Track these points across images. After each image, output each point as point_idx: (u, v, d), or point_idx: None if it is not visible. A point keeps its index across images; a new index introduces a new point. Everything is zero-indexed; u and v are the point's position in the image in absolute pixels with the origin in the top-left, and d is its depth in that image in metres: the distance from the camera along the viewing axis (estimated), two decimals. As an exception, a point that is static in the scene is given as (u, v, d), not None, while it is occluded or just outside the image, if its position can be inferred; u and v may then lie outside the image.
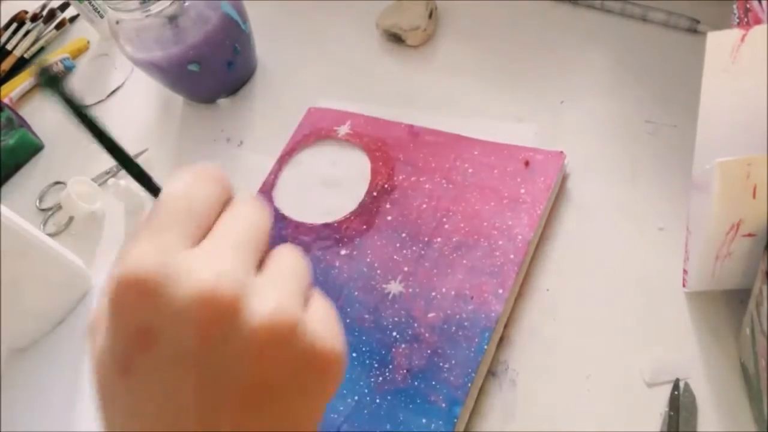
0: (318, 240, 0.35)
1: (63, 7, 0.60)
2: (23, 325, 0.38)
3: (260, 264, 0.17)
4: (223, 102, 0.47)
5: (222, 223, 0.17)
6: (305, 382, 0.16)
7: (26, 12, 0.60)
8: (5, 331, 0.36)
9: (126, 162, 0.18)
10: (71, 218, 0.44)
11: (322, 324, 0.17)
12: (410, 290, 0.32)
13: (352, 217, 0.36)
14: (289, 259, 0.18)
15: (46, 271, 0.37)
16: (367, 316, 0.31)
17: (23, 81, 0.55)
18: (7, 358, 0.38)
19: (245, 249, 0.17)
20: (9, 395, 0.37)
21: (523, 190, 0.33)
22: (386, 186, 0.36)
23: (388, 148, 0.38)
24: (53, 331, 0.39)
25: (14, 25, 0.59)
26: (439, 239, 0.33)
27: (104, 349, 0.16)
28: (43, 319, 0.39)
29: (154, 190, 0.18)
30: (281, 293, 0.16)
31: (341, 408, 0.29)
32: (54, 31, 0.59)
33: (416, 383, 0.29)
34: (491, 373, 0.29)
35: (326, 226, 0.36)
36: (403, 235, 0.34)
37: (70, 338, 0.38)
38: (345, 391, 0.29)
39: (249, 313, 0.15)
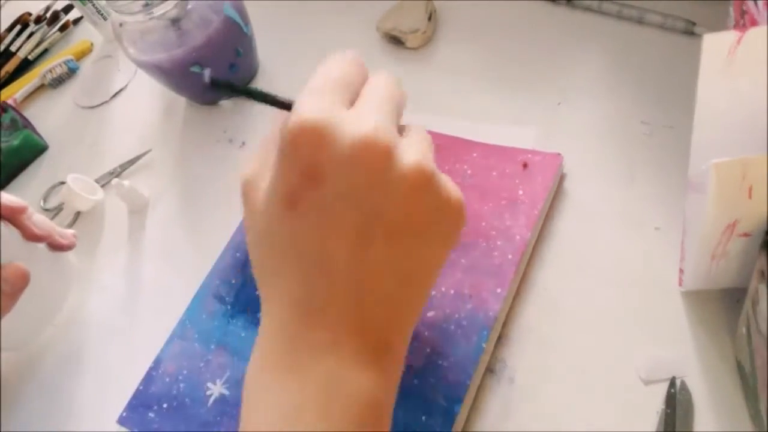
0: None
1: (67, 9, 0.61)
2: (20, 326, 0.37)
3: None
4: (225, 103, 0.47)
5: (367, 92, 0.21)
6: (438, 225, 0.20)
7: (30, 14, 0.60)
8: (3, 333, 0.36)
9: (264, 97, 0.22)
10: (76, 215, 0.45)
11: (449, 181, 0.21)
12: (410, 289, 0.32)
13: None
14: (421, 130, 0.21)
15: (41, 271, 0.37)
16: (367, 314, 0.32)
17: (27, 82, 0.55)
18: (5, 358, 0.38)
19: (389, 109, 0.20)
20: (8, 395, 0.37)
21: (521, 191, 0.33)
22: (386, 186, 0.36)
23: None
24: (48, 331, 0.39)
25: (18, 27, 0.60)
26: (438, 239, 0.33)
27: (272, 189, 0.19)
28: (39, 320, 0.38)
29: (286, 106, 0.22)
30: (424, 151, 0.19)
31: (341, 406, 0.29)
32: (58, 33, 0.60)
33: (415, 382, 0.29)
34: (490, 371, 0.30)
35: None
36: (403, 234, 0.34)
37: (65, 338, 0.39)
38: (345, 389, 0.30)
39: (400, 159, 0.19)
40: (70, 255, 0.40)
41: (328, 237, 0.18)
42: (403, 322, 0.20)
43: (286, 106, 0.22)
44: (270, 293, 0.20)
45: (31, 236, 0.34)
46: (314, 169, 0.18)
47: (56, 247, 0.37)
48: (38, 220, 0.35)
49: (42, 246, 0.37)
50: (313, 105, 0.19)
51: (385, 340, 0.19)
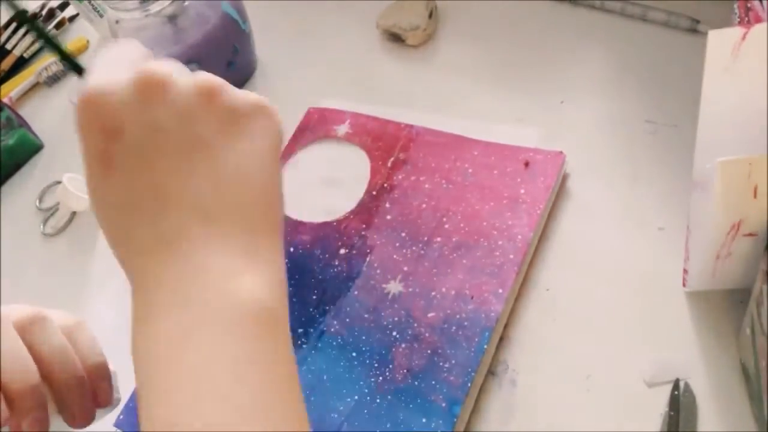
0: (317, 239, 0.35)
1: (62, 7, 0.60)
2: None
3: None
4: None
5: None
6: (234, 130, 0.20)
7: (26, 11, 0.60)
8: None
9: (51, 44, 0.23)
10: (72, 215, 0.44)
11: (241, 91, 0.21)
12: (410, 290, 0.31)
13: (352, 217, 0.35)
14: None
15: None
16: (366, 315, 0.31)
17: (23, 80, 0.55)
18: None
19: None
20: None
21: (522, 191, 0.33)
22: (386, 185, 0.36)
23: (388, 148, 0.38)
24: None
25: (14, 25, 0.59)
26: (438, 239, 0.33)
27: (86, 157, 0.20)
28: None
29: (79, 69, 0.23)
30: (202, 72, 0.21)
31: (341, 408, 0.29)
32: (53, 30, 0.59)
33: (416, 383, 0.29)
34: (491, 372, 0.29)
35: (326, 225, 0.36)
36: (403, 234, 0.34)
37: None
38: (345, 391, 0.29)
39: (180, 83, 0.20)
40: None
41: (154, 172, 0.19)
42: (268, 223, 0.20)
43: (78, 68, 0.23)
44: (128, 255, 0.20)
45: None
46: (109, 126, 0.19)
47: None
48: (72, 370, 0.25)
49: None
50: (96, 76, 0.20)
51: (257, 240, 0.20)
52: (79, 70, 0.23)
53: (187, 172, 0.19)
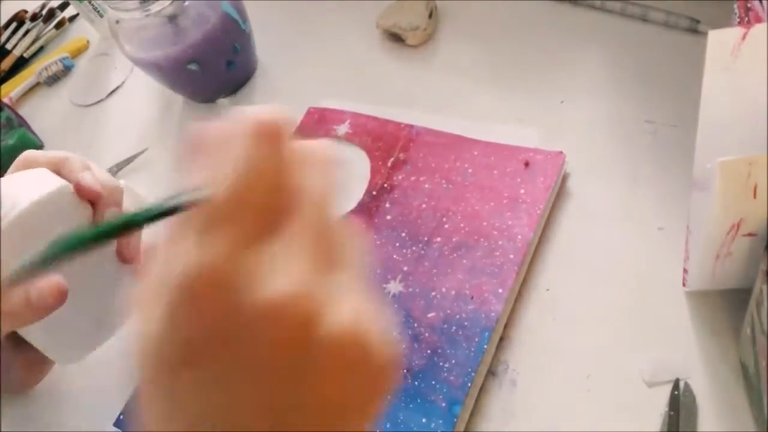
0: (318, 239, 0.35)
1: (63, 7, 0.60)
2: (79, 338, 0.31)
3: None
4: (223, 101, 0.47)
5: (296, 217, 0.15)
6: (366, 397, 0.16)
7: (26, 11, 0.60)
8: None
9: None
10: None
11: (383, 330, 0.16)
12: (410, 290, 0.31)
13: (352, 216, 0.35)
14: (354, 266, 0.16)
15: None
16: (366, 315, 0.31)
17: (23, 80, 0.55)
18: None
19: (322, 246, 0.15)
20: (8, 396, 0.37)
21: (522, 191, 0.33)
22: (386, 185, 0.36)
23: (388, 148, 0.38)
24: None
25: (14, 25, 0.59)
26: (438, 239, 0.33)
27: (163, 337, 0.15)
28: (100, 331, 0.32)
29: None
30: (358, 307, 0.15)
31: (341, 408, 0.29)
32: (53, 30, 0.59)
33: (416, 383, 0.29)
34: (491, 372, 0.29)
35: (326, 225, 0.36)
36: (403, 234, 0.34)
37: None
38: (345, 391, 0.29)
39: (325, 328, 0.14)
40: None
41: (234, 409, 0.14)
42: None
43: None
44: None
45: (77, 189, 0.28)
46: (220, 326, 0.14)
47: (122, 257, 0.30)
48: (88, 177, 0.28)
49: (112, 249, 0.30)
50: (219, 243, 0.14)
51: None
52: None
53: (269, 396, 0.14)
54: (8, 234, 0.25)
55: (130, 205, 0.44)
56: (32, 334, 0.28)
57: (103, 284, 0.30)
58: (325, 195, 0.16)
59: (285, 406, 0.15)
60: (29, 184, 0.27)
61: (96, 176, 0.29)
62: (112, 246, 0.30)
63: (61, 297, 0.26)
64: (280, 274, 0.14)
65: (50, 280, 0.26)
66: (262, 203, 0.15)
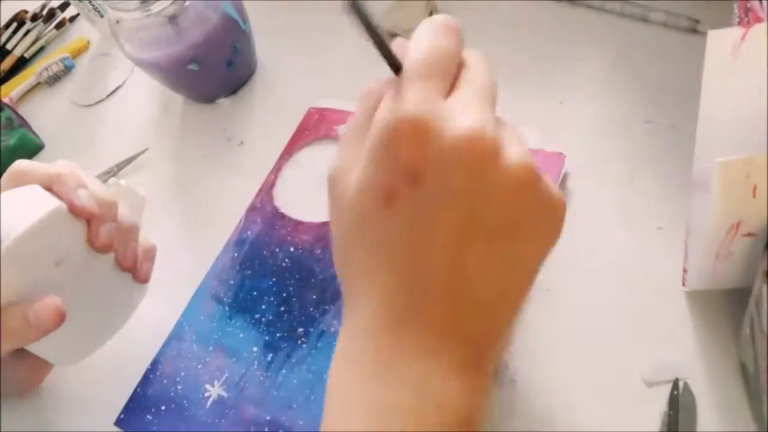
0: (318, 239, 0.35)
1: (63, 7, 0.60)
2: (78, 340, 0.31)
3: None
4: (223, 101, 0.47)
5: (466, 78, 0.19)
6: (541, 227, 0.19)
7: (26, 12, 0.60)
8: None
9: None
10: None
11: (547, 177, 0.19)
12: (410, 290, 0.32)
13: (352, 217, 0.36)
14: (508, 123, 0.20)
15: None
16: (366, 315, 0.31)
17: (23, 80, 0.55)
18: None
19: (490, 99, 0.19)
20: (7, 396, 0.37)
21: (523, 190, 0.33)
22: (386, 185, 0.36)
23: (388, 148, 0.38)
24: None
25: (14, 25, 0.59)
26: (439, 239, 0.33)
27: (365, 183, 0.18)
28: (100, 334, 0.33)
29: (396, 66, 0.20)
30: (525, 144, 0.18)
31: (341, 407, 0.29)
32: (54, 30, 0.59)
33: (416, 383, 0.29)
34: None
35: (326, 224, 0.36)
36: (403, 234, 0.34)
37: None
38: (345, 391, 0.29)
39: (507, 158, 0.17)
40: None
41: (426, 239, 0.17)
42: (498, 335, 0.19)
43: (395, 65, 0.20)
44: (357, 292, 0.19)
45: (98, 247, 0.28)
46: (414, 166, 0.17)
47: (125, 268, 0.31)
48: (84, 194, 0.28)
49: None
50: (412, 96, 0.18)
51: (479, 354, 0.18)
52: (396, 68, 0.20)
53: (457, 253, 0.17)
54: (5, 260, 0.25)
55: (130, 206, 0.44)
56: None
57: (101, 289, 0.30)
58: (486, 61, 0.21)
59: (470, 231, 0.17)
60: (23, 207, 0.26)
61: (90, 193, 0.28)
62: (110, 254, 0.30)
63: (59, 318, 0.26)
64: (464, 114, 0.17)
65: (48, 302, 0.26)
66: (444, 66, 0.19)
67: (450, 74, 0.19)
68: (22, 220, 0.26)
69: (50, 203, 0.27)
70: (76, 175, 0.28)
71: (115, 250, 0.29)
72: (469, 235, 0.17)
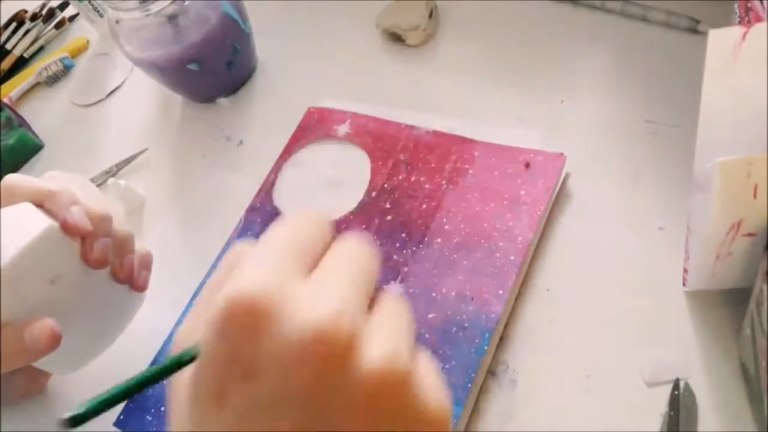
0: (318, 240, 0.35)
1: (62, 7, 0.60)
2: (75, 350, 0.31)
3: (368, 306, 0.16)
4: (222, 101, 0.47)
5: (331, 259, 0.16)
6: None
7: (26, 11, 0.60)
8: None
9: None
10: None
11: (431, 379, 0.16)
12: (410, 290, 0.31)
13: (352, 217, 0.35)
14: (398, 305, 0.17)
15: None
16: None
17: (23, 80, 0.55)
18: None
19: (358, 287, 0.16)
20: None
21: (523, 192, 0.33)
22: (386, 186, 0.36)
23: (388, 148, 0.38)
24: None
25: (14, 25, 0.59)
26: (439, 240, 0.33)
27: (197, 370, 0.15)
28: (96, 343, 0.33)
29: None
30: (396, 341, 0.15)
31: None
32: (53, 30, 0.59)
33: (416, 383, 0.29)
34: (491, 373, 0.29)
35: (326, 225, 0.36)
36: (403, 235, 0.34)
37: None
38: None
39: (363, 356, 0.14)
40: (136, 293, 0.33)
41: None
42: None
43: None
44: None
45: (93, 264, 0.28)
46: (247, 359, 0.14)
47: (122, 280, 0.30)
48: (77, 211, 0.27)
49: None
50: (257, 274, 0.15)
51: None
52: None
53: None
54: (2, 283, 0.25)
55: (131, 206, 0.44)
56: None
57: (99, 302, 0.30)
58: (358, 242, 0.17)
59: None
60: (15, 227, 0.26)
61: (83, 209, 0.27)
62: (106, 267, 0.29)
63: (54, 341, 0.26)
64: (315, 301, 0.14)
65: (43, 324, 0.26)
66: (306, 240, 0.16)
67: (310, 255, 0.16)
68: (15, 241, 0.26)
69: (42, 223, 0.26)
70: (68, 191, 0.27)
71: (111, 262, 0.29)
72: None
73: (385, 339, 0.15)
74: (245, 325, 0.14)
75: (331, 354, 0.14)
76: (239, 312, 0.14)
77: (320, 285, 0.15)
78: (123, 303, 0.32)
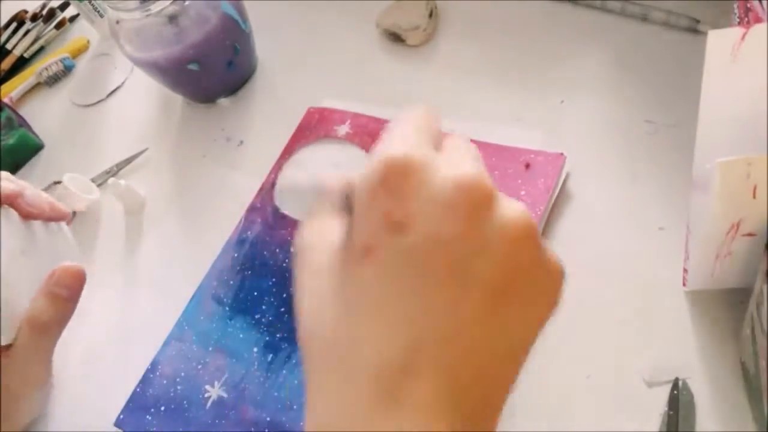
0: (318, 240, 0.35)
1: (63, 7, 0.60)
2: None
3: None
4: (223, 101, 0.47)
5: (452, 145, 0.18)
6: (539, 288, 0.17)
7: (26, 11, 0.60)
8: None
9: None
10: (72, 215, 0.44)
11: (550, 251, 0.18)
12: (410, 290, 0.31)
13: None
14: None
15: None
16: (367, 315, 0.31)
17: (23, 80, 0.55)
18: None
19: (482, 165, 0.17)
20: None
21: (523, 192, 0.33)
22: (386, 186, 0.36)
23: (388, 148, 0.38)
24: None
25: (14, 25, 0.59)
26: (439, 239, 0.33)
27: (345, 241, 0.17)
28: None
29: None
30: (521, 203, 0.17)
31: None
32: (54, 30, 0.59)
33: (416, 383, 0.29)
34: (491, 372, 0.29)
35: (326, 225, 0.36)
36: (403, 234, 0.34)
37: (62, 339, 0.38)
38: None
39: (501, 208, 0.16)
40: (70, 237, 0.37)
41: (415, 293, 0.15)
42: (496, 404, 0.17)
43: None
44: (336, 359, 0.16)
45: (25, 215, 0.32)
46: (400, 214, 0.15)
47: (50, 218, 0.35)
48: (31, 195, 0.33)
49: (41, 230, 0.34)
50: (403, 142, 0.17)
51: (478, 427, 0.16)
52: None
53: (455, 312, 0.15)
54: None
55: (131, 206, 0.44)
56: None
57: (54, 246, 0.34)
58: (469, 140, 0.19)
59: (464, 286, 0.15)
60: None
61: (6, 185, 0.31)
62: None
63: (82, 277, 0.31)
64: (458, 164, 0.16)
65: (63, 269, 0.30)
66: (429, 126, 0.18)
67: (434, 139, 0.18)
68: None
69: None
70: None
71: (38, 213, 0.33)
72: (462, 290, 0.15)
73: (516, 202, 0.17)
74: (399, 182, 0.16)
75: (479, 201, 0.16)
76: (393, 171, 0.16)
77: (454, 155, 0.17)
78: (65, 242, 0.36)
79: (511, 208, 0.16)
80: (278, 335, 0.33)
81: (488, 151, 0.35)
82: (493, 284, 0.16)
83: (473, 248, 0.16)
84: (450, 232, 0.15)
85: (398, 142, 0.17)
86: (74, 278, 0.31)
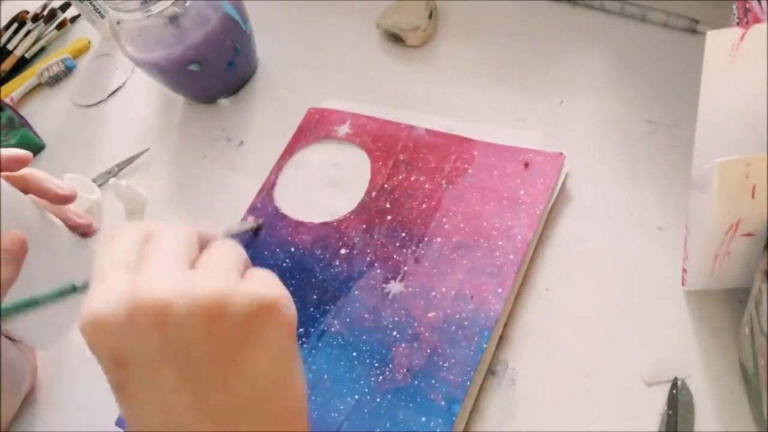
0: (318, 239, 0.35)
1: (64, 7, 0.60)
2: (49, 322, 0.34)
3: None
4: (223, 102, 0.47)
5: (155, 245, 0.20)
6: (258, 330, 0.19)
7: (27, 12, 0.60)
8: None
9: None
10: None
11: (257, 281, 0.20)
12: (410, 290, 0.32)
13: (352, 217, 0.36)
14: (222, 248, 0.21)
15: None
16: (367, 315, 0.32)
17: (24, 81, 0.55)
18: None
19: (177, 256, 0.19)
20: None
21: (522, 191, 0.33)
22: (386, 186, 0.36)
23: (388, 148, 0.38)
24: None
25: (15, 25, 0.59)
26: (438, 239, 0.33)
27: (107, 379, 0.19)
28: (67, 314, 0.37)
29: None
30: (212, 273, 0.19)
31: (342, 407, 0.29)
32: (55, 31, 0.59)
33: (416, 382, 0.29)
34: (491, 372, 0.29)
35: (326, 225, 0.36)
36: (403, 234, 0.34)
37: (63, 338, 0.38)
38: (345, 390, 0.29)
39: (177, 308, 0.18)
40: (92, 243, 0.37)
41: (163, 408, 0.18)
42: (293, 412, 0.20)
43: None
44: None
45: (55, 198, 0.34)
46: (115, 353, 0.18)
47: (72, 227, 0.35)
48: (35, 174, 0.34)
49: (65, 231, 0.35)
50: (97, 298, 0.18)
51: None
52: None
53: (199, 398, 0.18)
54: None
55: (132, 206, 0.44)
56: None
57: (46, 226, 0.33)
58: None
59: (196, 381, 0.18)
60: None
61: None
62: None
63: (24, 245, 0.29)
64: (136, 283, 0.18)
65: (9, 235, 0.29)
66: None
67: (194, 249, 0.20)
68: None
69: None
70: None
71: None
72: (197, 383, 0.18)
73: (201, 276, 0.19)
74: (99, 334, 0.18)
75: (155, 314, 0.18)
76: (91, 327, 0.18)
77: (144, 268, 0.19)
78: (50, 224, 0.35)
79: (197, 293, 0.18)
80: (278, 335, 0.33)
81: (487, 150, 0.35)
82: (216, 360, 0.18)
83: (180, 348, 0.18)
84: (154, 348, 0.18)
85: (95, 293, 0.19)
86: (16, 244, 0.30)
